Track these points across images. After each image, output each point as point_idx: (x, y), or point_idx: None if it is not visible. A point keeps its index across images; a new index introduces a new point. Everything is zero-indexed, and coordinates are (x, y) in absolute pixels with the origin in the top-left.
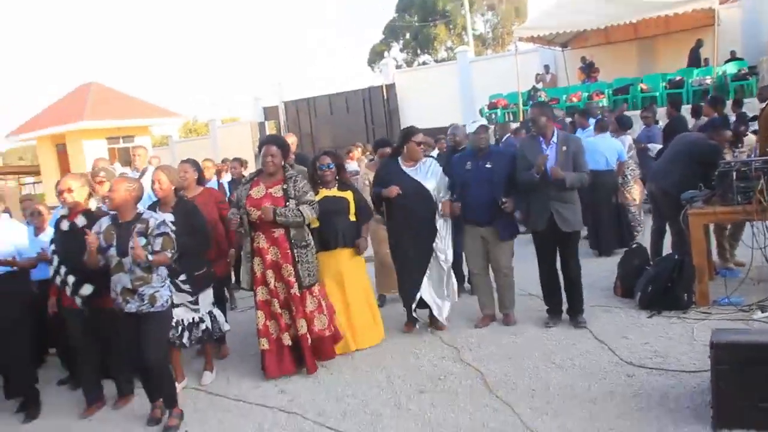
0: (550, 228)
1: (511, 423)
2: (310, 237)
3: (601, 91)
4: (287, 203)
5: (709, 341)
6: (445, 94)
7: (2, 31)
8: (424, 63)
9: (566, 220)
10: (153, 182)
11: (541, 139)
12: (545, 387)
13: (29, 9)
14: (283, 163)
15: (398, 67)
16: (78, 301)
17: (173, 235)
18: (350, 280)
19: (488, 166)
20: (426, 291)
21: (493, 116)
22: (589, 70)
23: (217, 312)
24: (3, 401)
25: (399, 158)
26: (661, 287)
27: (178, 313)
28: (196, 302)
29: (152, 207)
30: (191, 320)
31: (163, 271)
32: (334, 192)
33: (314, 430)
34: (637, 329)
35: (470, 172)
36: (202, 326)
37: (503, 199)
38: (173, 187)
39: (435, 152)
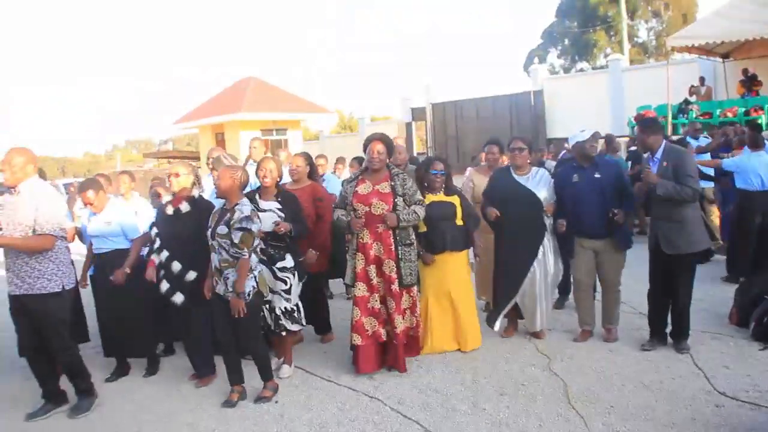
0: (657, 249)
1: None
2: (414, 236)
3: (760, 107)
4: (395, 200)
5: None
6: (594, 103)
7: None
8: (581, 70)
9: (671, 241)
10: (259, 170)
11: (649, 154)
12: (625, 405)
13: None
14: (387, 161)
15: (554, 72)
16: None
17: (255, 232)
18: (455, 283)
19: (597, 176)
20: (526, 298)
21: None
22: (750, 83)
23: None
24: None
25: (510, 167)
26: None
27: (272, 300)
28: (289, 291)
29: (253, 193)
30: (284, 309)
31: (252, 261)
32: (440, 197)
33: (390, 416)
34: (742, 360)
35: (579, 183)
36: (295, 315)
37: (614, 210)
38: (278, 178)
39: (552, 163)
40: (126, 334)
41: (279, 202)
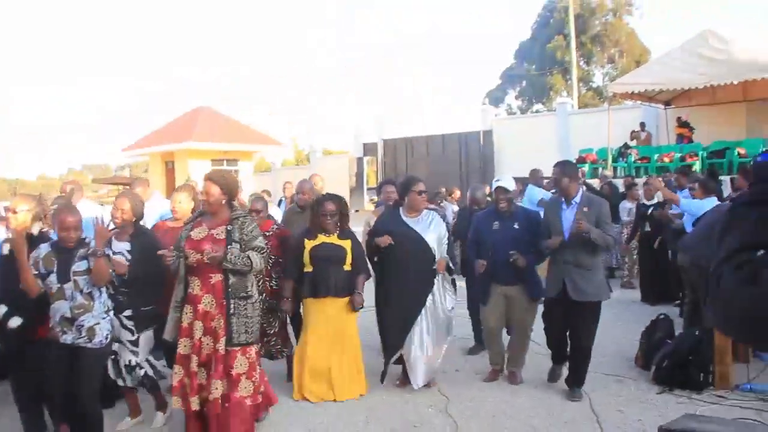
0: (563, 296)
1: None
2: (254, 289)
3: (695, 153)
4: (228, 246)
5: (658, 426)
6: (542, 145)
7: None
8: (537, 111)
9: (580, 289)
10: (114, 208)
11: (563, 200)
12: None
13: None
14: (224, 201)
15: (512, 113)
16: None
17: (117, 258)
18: (336, 329)
19: (516, 227)
20: (414, 346)
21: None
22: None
23: (155, 361)
24: None
25: (401, 208)
26: (677, 363)
27: (117, 351)
28: (136, 343)
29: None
30: (128, 362)
31: (107, 300)
32: (332, 239)
33: None
34: (638, 404)
35: (498, 232)
36: (140, 372)
37: (511, 252)
38: (134, 218)
39: (454, 207)
40: None
41: (130, 242)
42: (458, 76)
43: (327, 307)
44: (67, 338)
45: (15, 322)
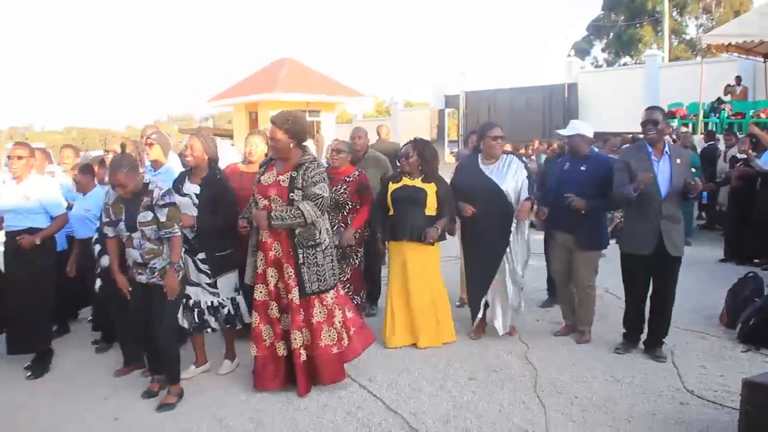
0: (657, 252)
1: (534, 423)
2: (325, 235)
3: None
4: (290, 194)
5: (742, 379)
6: (629, 99)
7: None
8: (624, 64)
9: (676, 244)
10: (185, 148)
11: (650, 149)
12: (590, 397)
13: None
14: (293, 145)
15: (598, 66)
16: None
17: (185, 208)
18: (415, 274)
19: (582, 168)
20: (494, 297)
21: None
22: None
23: (240, 299)
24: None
25: (479, 156)
26: (764, 322)
27: (195, 294)
28: (214, 285)
29: (183, 176)
30: (210, 303)
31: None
32: (415, 182)
33: (357, 392)
34: (722, 361)
35: (565, 173)
36: (224, 311)
37: (566, 195)
38: (207, 158)
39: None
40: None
41: (201, 185)
42: (544, 27)
43: (406, 252)
44: (143, 278)
45: (106, 261)
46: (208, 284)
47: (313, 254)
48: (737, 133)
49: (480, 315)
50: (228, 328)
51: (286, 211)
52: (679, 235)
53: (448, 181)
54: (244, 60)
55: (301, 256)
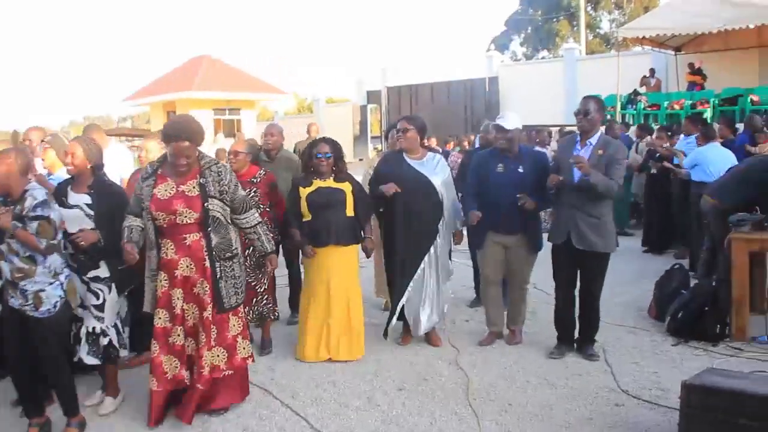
0: (567, 245)
1: None
2: (238, 244)
3: (706, 100)
4: (206, 204)
5: (681, 381)
6: (549, 92)
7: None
8: (543, 58)
9: (584, 237)
10: (65, 154)
11: (578, 138)
12: (524, 403)
13: None
14: (197, 153)
15: (516, 60)
16: None
17: (56, 221)
18: (336, 283)
19: (520, 170)
20: (414, 300)
21: None
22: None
23: (122, 327)
24: None
25: (404, 152)
26: (692, 314)
27: (87, 317)
28: (101, 308)
29: (64, 186)
30: (91, 329)
31: (56, 262)
32: (329, 183)
33: (279, 410)
34: (654, 356)
35: (502, 175)
36: (104, 340)
37: (518, 195)
38: (89, 165)
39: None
40: None
41: (90, 195)
42: (463, 22)
43: (328, 259)
44: (14, 303)
45: None
46: (95, 306)
47: (230, 266)
48: (651, 126)
49: (400, 318)
50: (110, 359)
51: (258, 238)
52: (595, 228)
53: (371, 173)
54: (161, 58)
55: (218, 270)
